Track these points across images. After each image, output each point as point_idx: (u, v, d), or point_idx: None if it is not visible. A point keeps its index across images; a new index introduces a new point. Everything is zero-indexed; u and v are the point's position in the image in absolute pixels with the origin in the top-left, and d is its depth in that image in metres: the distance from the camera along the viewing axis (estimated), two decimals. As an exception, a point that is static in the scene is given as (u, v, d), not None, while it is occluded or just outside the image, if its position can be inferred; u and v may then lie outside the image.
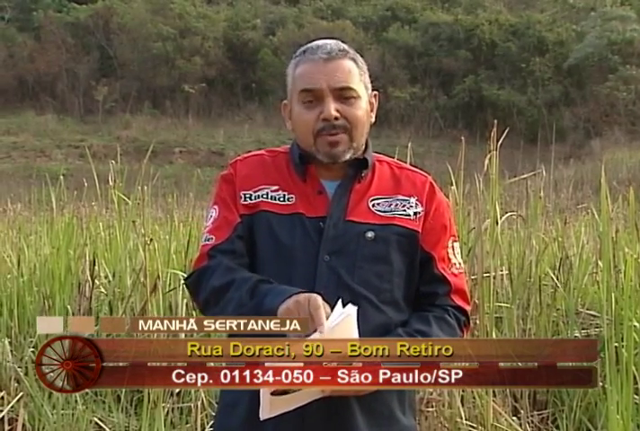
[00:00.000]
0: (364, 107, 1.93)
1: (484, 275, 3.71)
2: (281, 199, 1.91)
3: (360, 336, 1.68)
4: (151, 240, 4.13)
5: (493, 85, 40.36)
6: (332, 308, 1.69)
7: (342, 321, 1.65)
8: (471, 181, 4.43)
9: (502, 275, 4.56)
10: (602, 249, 3.65)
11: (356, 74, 1.93)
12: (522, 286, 4.38)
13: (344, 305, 1.70)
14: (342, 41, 2.01)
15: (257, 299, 1.77)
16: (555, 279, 4.53)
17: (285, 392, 1.64)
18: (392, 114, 39.17)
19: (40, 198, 7.43)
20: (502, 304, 4.27)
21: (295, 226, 1.87)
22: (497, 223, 3.93)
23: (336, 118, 1.87)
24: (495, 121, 3.95)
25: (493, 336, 3.68)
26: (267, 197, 1.91)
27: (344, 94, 1.90)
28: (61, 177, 5.79)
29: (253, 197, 1.92)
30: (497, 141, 3.74)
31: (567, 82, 39.57)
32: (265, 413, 1.67)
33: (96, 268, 4.85)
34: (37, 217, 7.91)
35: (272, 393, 1.64)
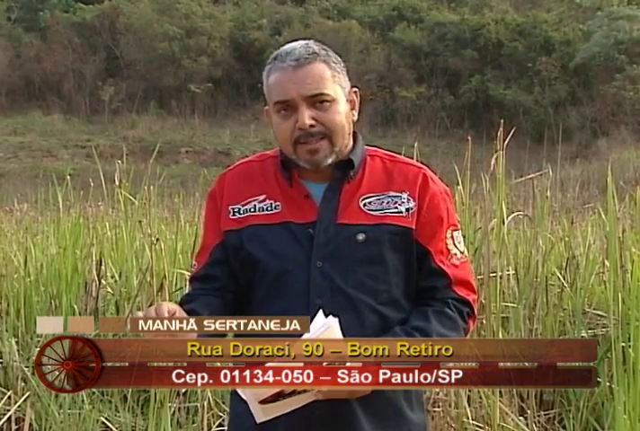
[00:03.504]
0: (341, 110, 1.89)
1: (491, 275, 3.71)
2: (269, 209, 1.90)
3: (345, 327, 1.67)
4: (157, 240, 4.13)
5: (500, 85, 40.27)
6: (312, 318, 1.68)
7: (322, 334, 1.64)
8: (477, 181, 4.42)
9: (509, 275, 4.55)
10: (609, 248, 3.65)
11: (328, 78, 1.87)
12: (529, 286, 4.38)
13: (326, 316, 1.68)
14: (320, 41, 1.97)
15: None
16: (562, 279, 4.53)
17: (275, 400, 1.64)
18: (398, 114, 39.13)
19: (46, 198, 7.44)
20: (509, 304, 4.27)
21: (284, 235, 1.86)
22: (503, 222, 3.93)
23: (312, 126, 1.84)
24: (502, 121, 3.96)
25: (500, 336, 3.67)
26: (255, 210, 1.91)
27: (318, 100, 1.86)
28: (68, 177, 5.80)
29: (241, 212, 1.92)
30: (503, 141, 3.73)
31: (574, 81, 39.47)
32: (259, 417, 1.67)
33: (103, 267, 4.86)
34: (43, 217, 7.93)
35: (261, 402, 1.64)
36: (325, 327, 1.65)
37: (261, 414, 1.66)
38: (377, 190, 1.91)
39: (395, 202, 1.90)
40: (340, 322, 1.67)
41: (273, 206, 1.90)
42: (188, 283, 2.02)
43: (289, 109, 1.86)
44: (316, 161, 1.87)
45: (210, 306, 1.85)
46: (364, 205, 1.89)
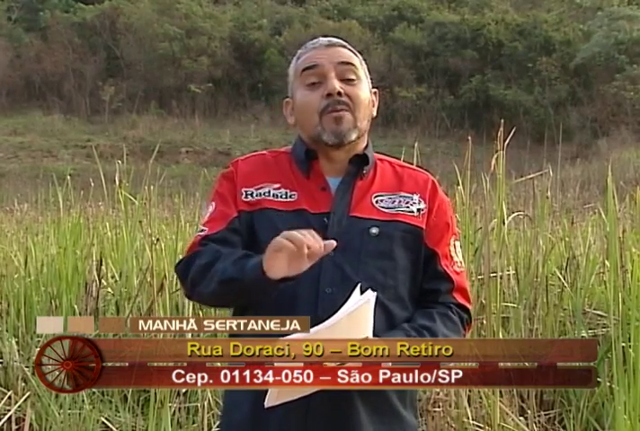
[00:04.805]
0: (366, 91, 1.95)
1: (491, 275, 3.70)
2: (284, 197, 1.90)
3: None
4: (157, 240, 4.13)
5: (500, 85, 40.29)
6: (346, 300, 1.70)
7: (360, 307, 1.66)
8: (478, 181, 4.43)
9: (509, 275, 4.55)
10: (609, 249, 3.65)
11: (357, 61, 1.96)
12: (529, 286, 4.37)
13: (362, 292, 1.70)
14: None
15: (241, 263, 1.75)
16: (562, 279, 4.52)
17: None
18: (398, 114, 39.15)
19: (46, 198, 7.46)
20: (509, 304, 4.27)
21: (298, 223, 1.84)
22: (504, 223, 3.92)
23: (340, 94, 1.88)
24: (502, 121, 3.95)
25: (500, 336, 3.67)
26: (269, 195, 1.90)
27: (347, 73, 1.92)
28: (68, 177, 5.80)
29: (254, 195, 1.91)
30: (504, 141, 3.73)
31: (574, 81, 39.49)
32: (271, 401, 1.67)
33: (103, 267, 4.85)
34: (44, 217, 7.93)
35: None
36: (364, 300, 1.67)
37: (274, 395, 1.67)
38: (389, 190, 1.94)
39: (407, 202, 1.93)
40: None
41: (289, 194, 1.91)
42: (196, 241, 1.90)
43: (318, 80, 1.91)
44: (342, 131, 1.88)
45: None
46: (376, 202, 1.91)
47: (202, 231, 1.93)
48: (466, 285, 2.00)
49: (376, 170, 1.97)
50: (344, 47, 1.97)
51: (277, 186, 1.92)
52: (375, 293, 1.70)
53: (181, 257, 1.99)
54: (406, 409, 1.90)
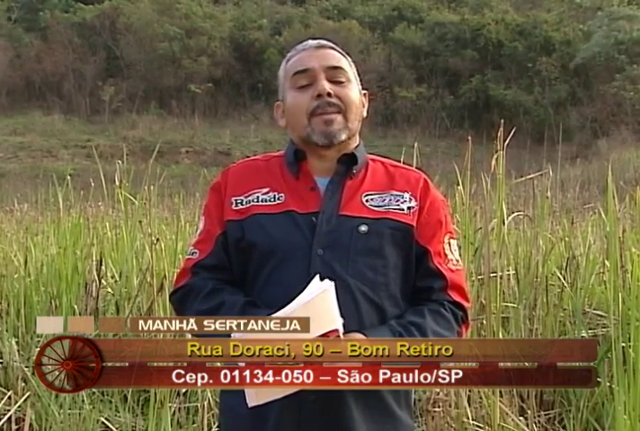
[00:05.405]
0: (356, 91, 1.97)
1: (491, 275, 3.70)
2: (272, 200, 1.92)
3: (341, 315, 1.68)
4: (157, 240, 4.12)
5: (500, 85, 40.30)
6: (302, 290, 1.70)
7: (317, 297, 1.66)
8: (478, 181, 4.42)
9: (509, 275, 4.55)
10: (609, 249, 3.65)
11: (347, 64, 1.99)
12: (529, 286, 4.37)
13: (322, 280, 1.70)
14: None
15: (251, 314, 1.78)
16: (562, 279, 4.52)
17: None
18: (398, 114, 39.17)
19: (46, 198, 7.46)
20: (509, 304, 4.26)
21: (287, 223, 1.88)
22: (504, 223, 3.92)
23: (329, 95, 1.90)
24: (502, 121, 3.95)
25: (500, 336, 3.67)
26: (258, 201, 1.92)
27: (336, 76, 1.94)
28: (68, 177, 5.80)
29: (244, 203, 1.93)
30: (504, 141, 3.72)
31: (574, 81, 39.49)
32: (252, 401, 1.68)
33: (103, 267, 4.85)
34: (44, 217, 7.93)
35: None
36: (321, 289, 1.67)
37: (254, 396, 1.67)
38: (380, 189, 1.95)
39: (398, 200, 1.93)
40: (335, 287, 1.70)
41: (277, 197, 1.92)
42: (187, 268, 1.97)
43: (308, 82, 1.93)
44: (331, 132, 1.90)
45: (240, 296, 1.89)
46: (366, 201, 1.92)
47: (193, 254, 1.98)
48: (463, 282, 1.99)
49: (367, 169, 1.98)
50: (333, 49, 2.00)
51: (265, 190, 1.94)
52: (332, 282, 1.70)
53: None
54: (401, 408, 1.90)
